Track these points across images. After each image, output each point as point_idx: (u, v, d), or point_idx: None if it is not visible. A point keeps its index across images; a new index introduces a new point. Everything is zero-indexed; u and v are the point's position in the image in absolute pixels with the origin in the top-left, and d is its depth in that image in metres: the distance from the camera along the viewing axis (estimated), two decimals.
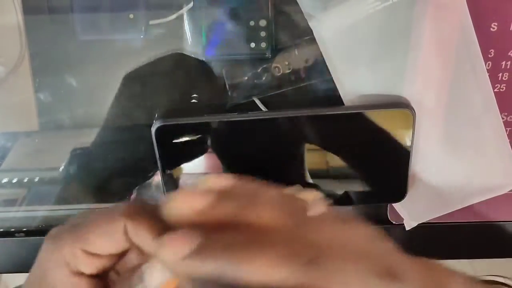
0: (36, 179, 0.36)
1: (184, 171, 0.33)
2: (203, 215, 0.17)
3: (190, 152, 0.33)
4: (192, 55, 0.32)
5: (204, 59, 0.32)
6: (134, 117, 0.33)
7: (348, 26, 0.29)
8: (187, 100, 0.33)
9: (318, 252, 0.16)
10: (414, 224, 0.33)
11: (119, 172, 0.35)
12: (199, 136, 0.32)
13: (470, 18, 0.28)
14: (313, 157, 0.32)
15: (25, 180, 0.36)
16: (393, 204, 0.33)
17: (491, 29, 0.30)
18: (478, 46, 0.28)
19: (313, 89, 0.33)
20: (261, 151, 0.32)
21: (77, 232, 0.21)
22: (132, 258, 0.22)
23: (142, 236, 0.20)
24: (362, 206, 0.33)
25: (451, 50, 0.29)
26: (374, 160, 0.31)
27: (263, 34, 0.31)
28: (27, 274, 0.24)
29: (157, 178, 0.34)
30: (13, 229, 0.36)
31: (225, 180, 0.18)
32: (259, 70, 0.33)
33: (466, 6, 0.28)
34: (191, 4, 0.31)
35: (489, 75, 0.30)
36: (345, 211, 0.33)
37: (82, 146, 0.35)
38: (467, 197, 0.33)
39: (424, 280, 0.18)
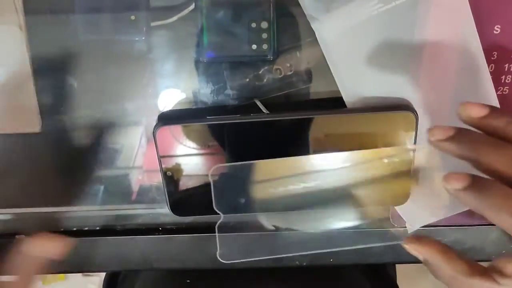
0: None
1: (184, 173, 0.32)
2: None
3: (191, 155, 0.32)
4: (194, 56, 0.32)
5: (205, 61, 0.32)
6: None
7: (350, 28, 0.28)
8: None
9: None
10: (417, 227, 0.33)
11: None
12: (200, 137, 0.32)
13: (473, 21, 0.28)
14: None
15: None
16: (395, 207, 0.32)
17: (494, 32, 0.30)
18: (481, 49, 0.28)
19: (315, 91, 0.33)
20: (262, 152, 0.32)
21: None
22: None
23: None
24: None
25: (454, 52, 0.28)
26: (378, 161, 0.31)
27: (264, 36, 0.31)
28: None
29: (157, 179, 0.34)
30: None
31: None
32: (260, 72, 0.33)
33: (469, 8, 0.28)
34: (192, 6, 0.31)
35: (492, 78, 0.29)
36: None
37: None
38: None
39: None
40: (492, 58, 0.31)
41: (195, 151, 0.32)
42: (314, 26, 0.29)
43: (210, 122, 0.31)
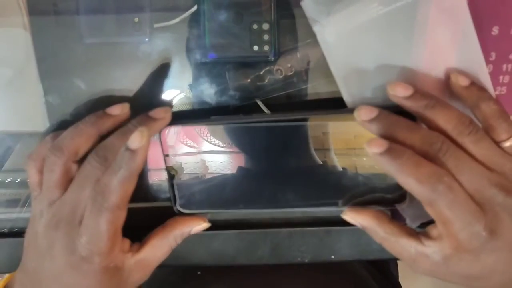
0: None
1: (188, 171, 0.33)
2: None
3: (194, 153, 0.33)
4: (197, 57, 0.33)
5: (207, 62, 0.32)
6: None
7: (351, 30, 0.29)
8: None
9: None
10: (417, 224, 0.34)
11: None
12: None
13: (472, 22, 0.28)
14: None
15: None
16: (396, 206, 0.33)
17: (492, 32, 0.31)
18: (480, 50, 0.29)
19: (315, 91, 0.33)
20: (265, 151, 0.32)
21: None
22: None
23: None
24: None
25: (453, 54, 0.29)
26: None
27: (266, 37, 0.31)
28: None
29: (161, 177, 0.35)
30: (16, 229, 0.36)
31: None
32: (262, 73, 0.33)
33: (468, 10, 0.28)
34: (195, 8, 0.32)
35: (490, 78, 0.30)
36: None
37: None
38: None
39: None
40: (490, 59, 0.31)
41: (198, 150, 0.33)
42: (315, 28, 0.29)
43: (214, 123, 0.31)
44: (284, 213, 0.36)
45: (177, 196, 0.33)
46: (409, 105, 0.28)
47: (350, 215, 0.30)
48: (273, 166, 0.32)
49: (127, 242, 0.30)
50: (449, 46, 0.29)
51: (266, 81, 0.33)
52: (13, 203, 0.36)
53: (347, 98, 0.31)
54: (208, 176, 0.33)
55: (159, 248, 0.31)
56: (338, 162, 0.32)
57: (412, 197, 0.31)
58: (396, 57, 0.29)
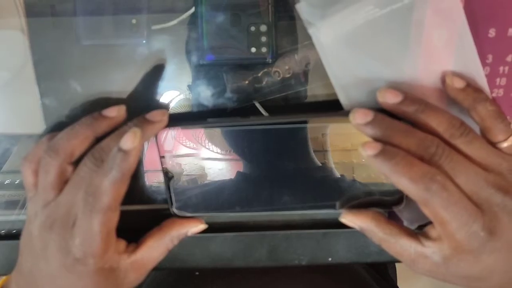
0: None
1: (184, 172, 0.33)
2: None
3: (191, 155, 0.33)
4: (194, 59, 0.33)
5: (205, 64, 0.32)
6: None
7: (347, 32, 0.29)
8: None
9: None
10: (415, 226, 0.34)
11: None
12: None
13: (467, 25, 0.28)
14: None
15: None
16: (393, 209, 0.33)
17: (489, 35, 0.31)
18: (476, 52, 0.29)
19: (313, 93, 0.33)
20: (264, 153, 0.32)
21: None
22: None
23: None
24: None
25: (450, 56, 0.29)
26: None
27: (263, 39, 0.31)
28: None
29: (157, 179, 0.35)
30: (14, 231, 0.36)
31: None
32: (259, 75, 0.33)
33: (463, 12, 0.28)
34: (192, 9, 0.32)
35: (487, 81, 0.30)
36: None
37: None
38: None
39: None
40: (487, 61, 0.31)
41: (195, 152, 0.33)
42: (310, 31, 0.29)
43: (212, 126, 0.31)
44: (281, 215, 0.35)
45: (173, 199, 0.32)
46: (399, 110, 0.28)
47: (348, 218, 0.30)
48: (270, 168, 0.32)
49: (122, 243, 0.30)
50: (445, 48, 0.29)
51: (264, 83, 0.33)
52: (11, 204, 0.36)
53: (343, 100, 0.31)
54: (205, 181, 0.33)
55: (155, 249, 0.31)
56: (336, 167, 0.32)
57: (409, 200, 0.31)
58: (392, 59, 0.29)
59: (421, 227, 0.30)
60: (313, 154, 0.32)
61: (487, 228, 0.25)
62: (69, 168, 0.29)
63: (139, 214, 0.34)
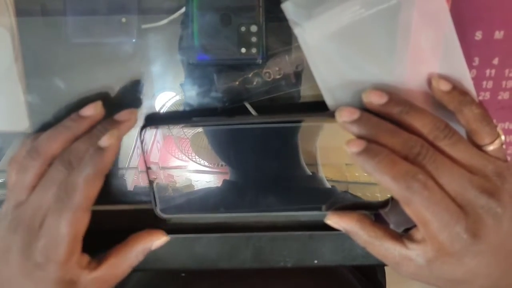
0: None
1: (170, 172, 0.33)
2: None
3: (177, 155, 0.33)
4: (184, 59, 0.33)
5: (196, 64, 0.32)
6: None
7: (332, 33, 0.29)
8: None
9: None
10: (401, 229, 0.34)
11: None
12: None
13: (453, 27, 0.28)
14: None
15: None
16: (380, 211, 0.33)
17: (475, 37, 0.31)
18: (462, 55, 0.29)
19: (303, 94, 0.33)
20: (250, 154, 0.32)
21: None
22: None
23: None
24: None
25: (436, 58, 0.29)
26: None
27: (254, 39, 0.31)
28: None
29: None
30: None
31: None
32: (250, 75, 0.33)
33: (449, 14, 0.28)
34: (183, 9, 0.32)
35: (473, 83, 0.30)
36: None
37: None
38: None
39: None
40: (474, 64, 0.31)
41: (184, 164, 0.33)
42: (296, 31, 0.29)
43: (197, 125, 0.31)
44: (267, 217, 0.35)
45: (157, 201, 0.32)
46: (384, 111, 0.28)
47: (333, 220, 0.30)
48: (255, 169, 0.32)
49: (85, 257, 0.29)
50: (431, 50, 0.29)
51: (255, 83, 0.33)
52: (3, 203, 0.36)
53: (329, 102, 0.31)
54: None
55: (118, 266, 0.30)
56: (324, 169, 0.32)
57: (395, 203, 0.31)
58: (379, 61, 0.29)
59: (406, 231, 0.30)
60: (300, 156, 0.32)
61: (470, 231, 0.25)
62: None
63: (123, 215, 0.34)
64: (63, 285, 0.27)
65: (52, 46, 0.32)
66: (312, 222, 0.35)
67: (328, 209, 0.32)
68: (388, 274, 0.57)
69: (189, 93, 0.33)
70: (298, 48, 0.32)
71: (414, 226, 0.28)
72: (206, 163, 0.33)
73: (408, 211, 0.26)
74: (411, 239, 0.27)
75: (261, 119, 0.31)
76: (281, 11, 0.31)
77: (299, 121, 0.31)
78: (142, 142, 0.31)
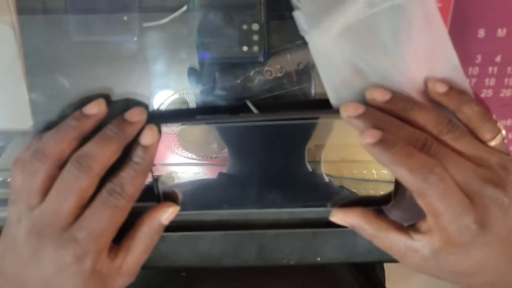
0: None
1: (173, 169, 0.33)
2: None
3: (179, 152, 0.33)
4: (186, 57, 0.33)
5: (197, 62, 0.32)
6: None
7: (338, 34, 0.29)
8: None
9: None
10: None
11: None
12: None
13: (445, 28, 0.28)
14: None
15: None
16: (382, 207, 0.33)
17: (478, 35, 0.31)
18: (457, 58, 0.29)
19: (305, 92, 0.33)
20: (253, 152, 0.32)
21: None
22: None
23: None
24: None
25: (432, 59, 0.29)
26: (363, 164, 0.32)
27: (255, 38, 0.31)
28: None
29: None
30: None
31: None
32: (251, 73, 0.33)
33: (440, 16, 0.28)
34: (185, 7, 0.32)
35: (476, 81, 0.30)
36: None
37: None
38: None
39: None
40: (476, 62, 0.31)
41: (186, 160, 0.33)
42: (307, 38, 0.30)
43: (201, 122, 0.31)
44: (270, 214, 0.35)
45: (162, 198, 0.32)
46: (387, 108, 0.28)
47: (338, 216, 0.30)
48: (259, 166, 0.32)
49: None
50: (427, 52, 0.29)
51: (256, 81, 0.33)
52: (4, 202, 0.36)
53: (334, 101, 0.31)
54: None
55: (134, 251, 0.30)
56: (326, 166, 0.32)
57: (397, 199, 0.31)
58: (382, 58, 0.29)
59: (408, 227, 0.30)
60: (303, 153, 0.32)
61: (478, 221, 0.25)
62: (58, 172, 0.28)
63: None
64: (95, 276, 0.28)
65: (53, 44, 0.32)
66: (315, 219, 0.35)
67: (331, 206, 0.32)
68: (387, 271, 0.57)
69: (190, 91, 0.33)
70: (299, 46, 0.32)
71: (417, 222, 0.28)
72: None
73: (421, 202, 0.26)
74: (417, 230, 0.27)
75: (264, 116, 0.31)
76: (282, 9, 0.31)
77: (302, 119, 0.31)
78: None
